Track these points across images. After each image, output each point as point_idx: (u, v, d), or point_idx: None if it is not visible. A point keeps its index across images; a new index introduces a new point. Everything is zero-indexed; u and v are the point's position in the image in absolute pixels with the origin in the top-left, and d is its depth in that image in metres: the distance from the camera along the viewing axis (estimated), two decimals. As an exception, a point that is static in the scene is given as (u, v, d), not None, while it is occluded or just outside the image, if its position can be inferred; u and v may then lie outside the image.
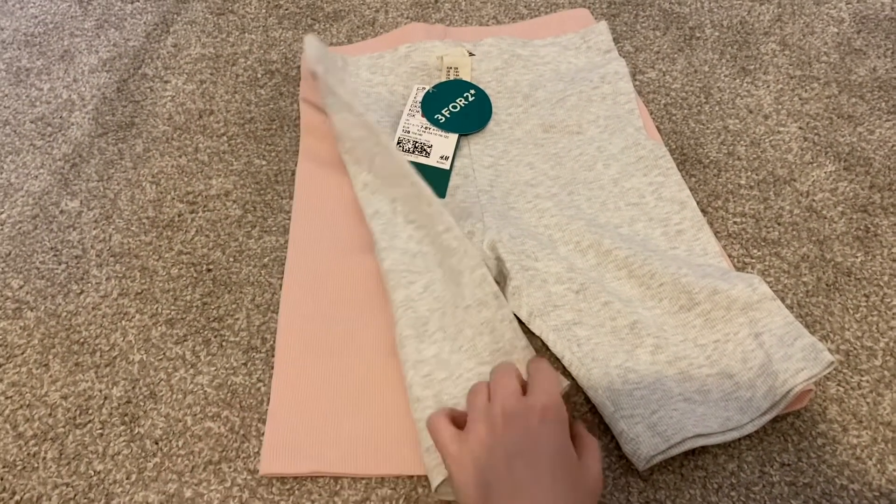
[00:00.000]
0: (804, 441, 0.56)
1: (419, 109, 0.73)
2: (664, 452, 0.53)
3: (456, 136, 0.72)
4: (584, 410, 0.58)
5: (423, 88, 0.75)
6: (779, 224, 0.67)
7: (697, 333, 0.59)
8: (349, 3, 0.91)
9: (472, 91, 0.75)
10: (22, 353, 0.63)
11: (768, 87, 0.76)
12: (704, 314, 0.59)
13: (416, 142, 0.71)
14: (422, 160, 0.70)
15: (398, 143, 0.71)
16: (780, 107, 0.75)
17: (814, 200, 0.68)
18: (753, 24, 0.81)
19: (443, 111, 0.73)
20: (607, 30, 0.80)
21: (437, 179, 0.69)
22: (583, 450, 0.49)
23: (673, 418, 0.54)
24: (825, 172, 0.70)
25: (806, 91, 0.76)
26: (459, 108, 0.74)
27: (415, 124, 0.72)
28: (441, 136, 0.72)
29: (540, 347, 0.61)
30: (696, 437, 0.53)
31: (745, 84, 0.77)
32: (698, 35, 0.80)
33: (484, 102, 0.74)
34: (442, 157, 0.70)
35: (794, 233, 0.67)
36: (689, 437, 0.53)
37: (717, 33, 0.80)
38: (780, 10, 0.82)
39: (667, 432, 0.53)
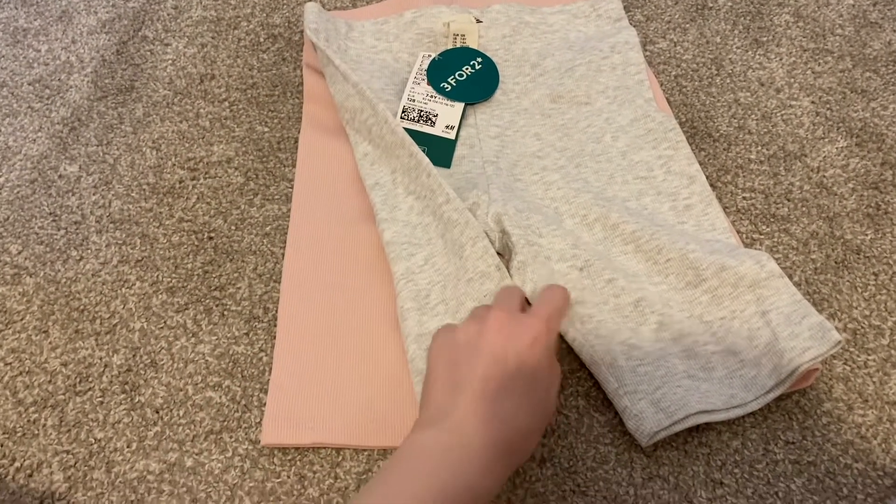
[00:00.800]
0: (809, 419, 0.56)
1: (424, 77, 0.72)
2: (667, 429, 0.53)
3: (462, 105, 0.70)
4: (588, 386, 0.58)
5: (429, 56, 0.73)
6: (788, 200, 0.66)
7: (704, 310, 0.58)
8: (354, -34, 0.89)
9: (479, 59, 0.74)
10: (21, 320, 0.63)
11: (781, 59, 0.75)
12: (711, 291, 0.58)
13: (422, 111, 0.70)
14: (427, 129, 0.69)
15: (403, 111, 0.70)
16: (792, 80, 0.73)
17: (824, 176, 0.67)
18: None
19: (449, 79, 0.72)
20: (618, -2, 0.78)
21: (442, 149, 0.68)
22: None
23: (677, 395, 0.54)
24: (837, 148, 0.69)
25: (819, 64, 0.74)
26: (466, 76, 0.72)
27: (420, 93, 0.71)
28: (447, 105, 0.70)
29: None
30: (699, 414, 0.53)
31: (757, 56, 0.75)
32: (711, 5, 0.79)
33: (491, 71, 0.73)
34: (447, 127, 0.69)
35: (804, 209, 0.66)
36: (693, 413, 0.53)
37: (729, 3, 0.78)
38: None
39: (670, 408, 0.53)
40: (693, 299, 0.59)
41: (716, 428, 0.55)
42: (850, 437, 0.56)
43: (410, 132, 0.69)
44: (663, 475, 0.53)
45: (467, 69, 0.73)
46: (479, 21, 0.77)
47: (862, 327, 0.60)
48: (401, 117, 0.70)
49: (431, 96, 0.71)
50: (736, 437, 0.55)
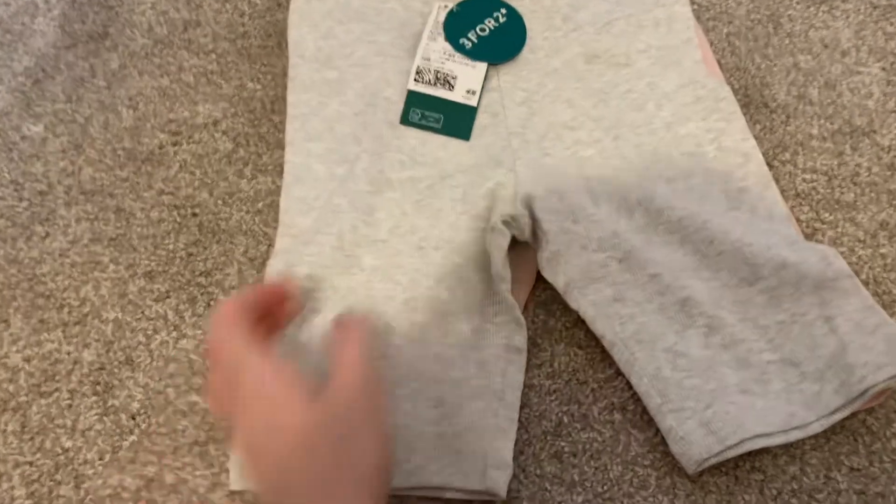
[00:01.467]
0: (878, 442, 0.50)
1: (441, 32, 0.62)
2: (718, 455, 0.47)
3: (484, 65, 0.61)
4: (625, 398, 0.51)
5: (446, 6, 0.64)
6: (855, 184, 0.58)
7: (759, 312, 0.51)
8: None
9: (504, 10, 0.64)
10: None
11: (847, 18, 0.66)
12: (769, 290, 0.51)
13: (438, 72, 0.61)
14: (444, 94, 0.60)
15: (417, 73, 0.61)
16: (860, 42, 0.65)
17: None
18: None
19: (469, 35, 0.62)
20: (662, -59, 0.68)
21: (461, 117, 0.59)
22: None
23: (730, 414, 0.48)
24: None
25: (892, 24, 0.65)
26: (488, 30, 0.63)
27: (436, 50, 0.62)
28: (467, 65, 0.61)
29: (576, 322, 0.53)
30: (755, 438, 0.47)
31: (820, 14, 0.66)
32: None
33: (517, 24, 0.64)
34: (468, 92, 0.60)
35: (873, 195, 0.58)
36: (748, 437, 0.47)
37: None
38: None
39: (722, 431, 0.47)
40: (747, 299, 0.52)
41: (771, 451, 0.50)
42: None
43: (424, 96, 0.60)
44: (712, 507, 0.47)
45: (490, 22, 0.63)
46: None
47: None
48: (414, 80, 0.61)
49: (449, 55, 0.62)
50: (794, 461, 0.49)
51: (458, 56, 0.61)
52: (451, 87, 0.60)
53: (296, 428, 0.34)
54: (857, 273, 0.55)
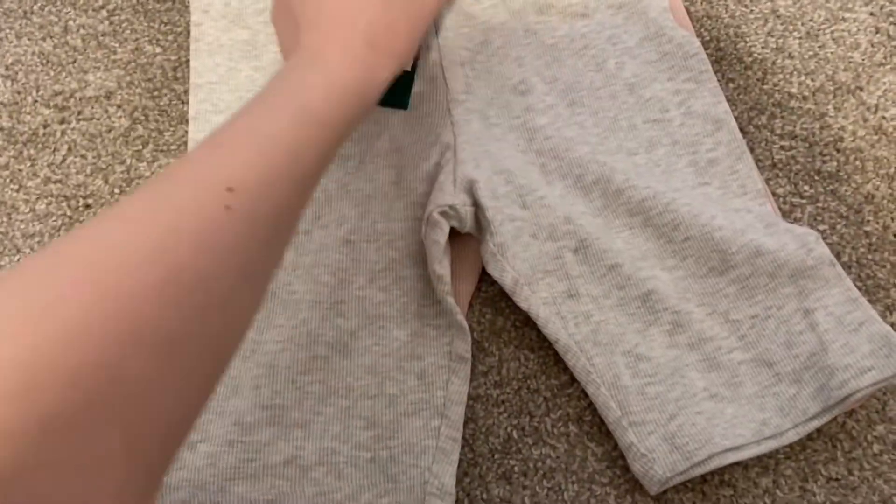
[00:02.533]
0: (857, 449, 0.46)
1: None
2: (684, 473, 0.44)
3: None
4: (580, 407, 0.46)
5: None
6: (838, 151, 0.53)
7: (730, 305, 0.47)
8: None
9: None
10: None
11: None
12: (741, 280, 0.47)
13: None
14: None
15: None
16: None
17: (884, 118, 0.54)
18: None
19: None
20: None
21: (397, 85, 0.52)
22: None
23: (696, 426, 0.44)
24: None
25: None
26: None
27: None
28: None
29: (526, 321, 0.48)
30: (725, 453, 0.43)
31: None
32: None
33: None
34: None
35: (858, 163, 0.52)
36: (717, 452, 0.44)
37: None
38: None
39: (688, 446, 0.43)
40: (717, 290, 0.47)
41: (742, 462, 0.46)
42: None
43: None
44: (677, 531, 0.43)
45: None
46: None
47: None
48: None
49: None
50: (766, 472, 0.46)
51: (389, 11, 0.53)
52: None
53: None
54: (838, 254, 0.50)
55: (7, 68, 0.55)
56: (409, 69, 0.52)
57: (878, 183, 0.52)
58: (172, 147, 0.53)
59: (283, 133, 0.31)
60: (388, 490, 0.43)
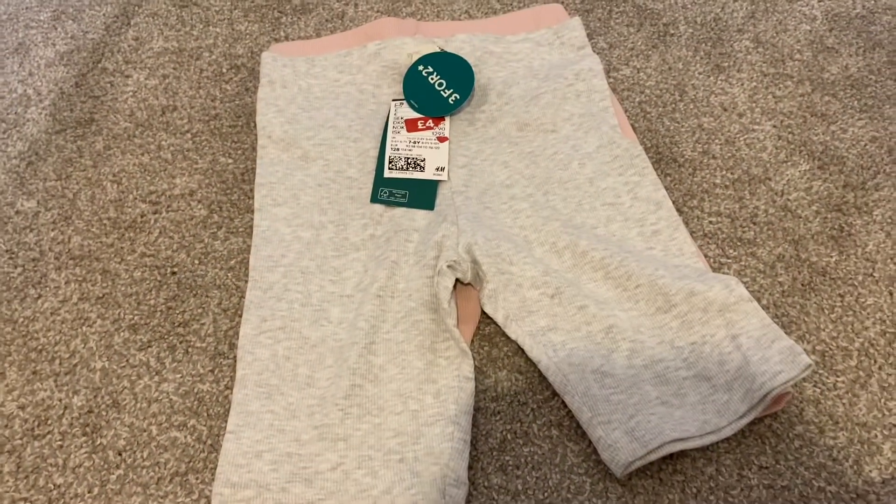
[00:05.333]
0: (781, 443, 0.56)
1: (403, 126, 0.71)
2: (642, 458, 0.52)
3: (447, 144, 0.70)
4: (561, 415, 0.57)
5: (401, 103, 0.73)
6: (754, 224, 0.67)
7: (674, 335, 0.58)
8: (318, -5, 0.89)
9: (448, 60, 0.74)
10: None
11: (742, 84, 0.76)
12: (681, 316, 0.58)
13: (409, 158, 0.69)
14: (417, 175, 0.68)
15: (390, 162, 0.69)
16: (754, 105, 0.74)
17: (788, 199, 0.68)
18: (727, 20, 0.80)
19: (422, 94, 0.72)
20: (581, 26, 0.79)
21: (426, 191, 0.67)
22: None
23: (651, 423, 0.54)
24: (799, 171, 0.70)
25: (779, 89, 0.75)
26: (443, 83, 0.72)
27: (401, 140, 0.70)
28: (432, 147, 0.70)
29: (516, 351, 0.60)
30: (674, 442, 0.53)
31: (719, 81, 0.76)
32: (672, 32, 0.80)
33: (462, 67, 0.73)
34: (438, 169, 0.69)
35: (770, 232, 0.66)
36: (668, 441, 0.52)
37: (690, 30, 0.80)
38: (753, 6, 0.81)
39: (645, 437, 0.53)
40: (663, 325, 0.59)
41: (690, 455, 0.55)
42: (823, 459, 0.56)
43: (399, 180, 0.68)
44: (639, 505, 0.53)
45: (436, 79, 0.73)
46: (443, 51, 0.77)
47: (830, 349, 0.60)
48: (388, 168, 0.69)
49: (414, 142, 0.70)
50: (710, 463, 0.55)
51: (422, 141, 0.70)
52: (422, 169, 0.68)
53: None
54: (758, 299, 0.63)
55: (114, 175, 0.71)
56: (444, 179, 0.67)
57: (787, 246, 0.66)
58: (240, 229, 0.68)
59: None
60: (415, 483, 0.53)
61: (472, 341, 0.61)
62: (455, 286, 0.62)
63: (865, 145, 0.71)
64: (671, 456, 0.55)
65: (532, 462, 0.55)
